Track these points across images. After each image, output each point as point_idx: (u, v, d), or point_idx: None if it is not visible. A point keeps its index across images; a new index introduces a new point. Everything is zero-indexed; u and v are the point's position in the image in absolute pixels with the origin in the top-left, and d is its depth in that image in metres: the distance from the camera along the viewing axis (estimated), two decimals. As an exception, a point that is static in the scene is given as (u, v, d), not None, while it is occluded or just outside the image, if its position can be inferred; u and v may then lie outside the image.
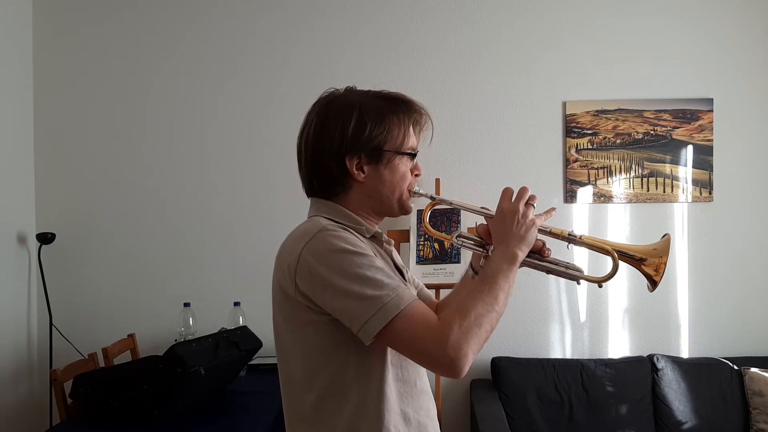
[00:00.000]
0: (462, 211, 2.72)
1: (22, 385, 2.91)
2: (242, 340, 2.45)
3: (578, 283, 1.24)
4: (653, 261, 1.18)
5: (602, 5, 3.00)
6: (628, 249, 1.20)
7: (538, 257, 1.19)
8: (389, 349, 1.10)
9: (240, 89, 3.04)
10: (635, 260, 1.19)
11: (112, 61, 3.07)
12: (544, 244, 1.19)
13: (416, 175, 1.22)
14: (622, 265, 1.19)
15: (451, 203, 1.26)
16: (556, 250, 1.24)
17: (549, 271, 1.21)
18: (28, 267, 2.98)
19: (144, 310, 3.01)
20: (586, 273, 1.22)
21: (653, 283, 1.19)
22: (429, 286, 2.55)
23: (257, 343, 2.51)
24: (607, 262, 1.18)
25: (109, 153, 3.07)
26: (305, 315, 1.09)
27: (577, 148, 2.99)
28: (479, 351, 1.02)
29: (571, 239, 1.19)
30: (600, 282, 1.21)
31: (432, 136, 1.26)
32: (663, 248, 1.19)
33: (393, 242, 1.26)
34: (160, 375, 2.06)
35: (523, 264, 1.16)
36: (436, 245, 2.77)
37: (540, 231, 1.16)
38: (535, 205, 1.15)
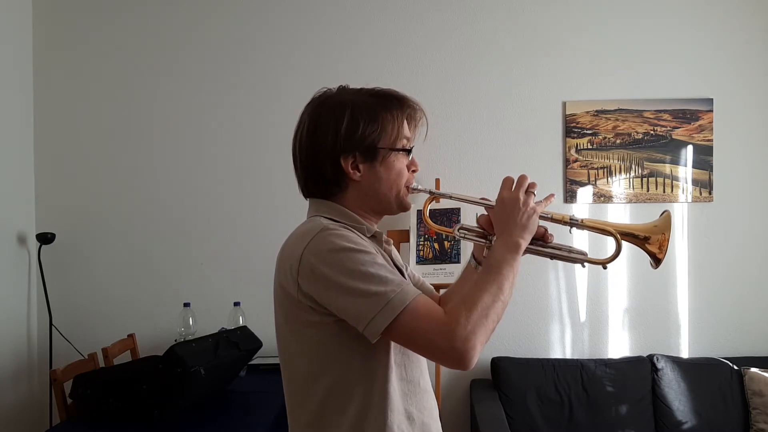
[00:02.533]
0: (462, 210, 2.73)
1: (22, 385, 2.91)
2: (242, 340, 2.45)
3: (583, 266, 1.24)
4: (656, 238, 1.18)
5: (602, 5, 3.00)
6: (630, 228, 1.20)
7: (541, 244, 1.20)
8: (393, 349, 1.10)
9: (240, 90, 3.04)
10: (639, 239, 1.19)
11: (113, 62, 3.07)
12: (546, 230, 1.19)
13: (413, 171, 1.21)
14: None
15: (450, 196, 1.25)
16: (558, 235, 1.24)
17: (552, 257, 1.21)
18: (28, 267, 2.98)
19: (144, 310, 3.01)
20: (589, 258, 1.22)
21: (657, 261, 1.19)
22: (429, 286, 2.56)
23: (257, 343, 2.51)
24: (611, 246, 1.18)
25: (109, 153, 3.07)
26: (308, 316, 1.08)
27: (577, 148, 2.99)
28: (487, 342, 1.02)
29: (573, 223, 1.19)
30: (604, 263, 1.21)
31: (427, 131, 1.24)
32: (664, 224, 1.20)
33: (392, 242, 1.26)
34: (160, 375, 2.05)
35: (527, 251, 1.16)
36: (435, 245, 2.77)
37: (541, 217, 1.16)
38: (535, 192, 1.15)
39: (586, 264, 1.22)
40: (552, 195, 1.20)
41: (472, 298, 1.03)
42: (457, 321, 0.99)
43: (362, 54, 3.03)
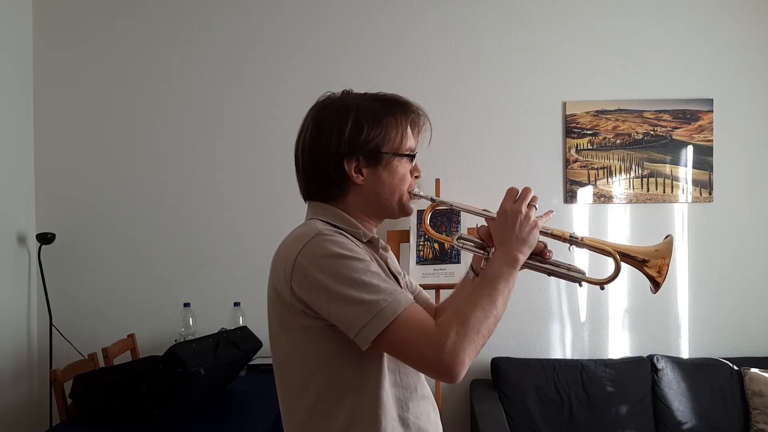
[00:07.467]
0: (462, 211, 2.73)
1: (22, 385, 2.91)
2: (242, 340, 2.45)
3: (580, 285, 1.22)
4: (656, 262, 1.17)
5: (602, 6, 3.00)
6: (630, 250, 1.18)
7: (539, 259, 1.18)
8: (386, 355, 1.09)
9: (242, 91, 3.04)
10: (637, 262, 1.18)
11: (113, 62, 3.07)
12: (545, 246, 1.18)
13: (416, 177, 1.20)
14: (624, 266, 1.18)
15: (452, 205, 1.24)
16: (558, 251, 1.23)
17: (550, 273, 1.19)
18: (28, 267, 2.98)
19: (144, 310, 3.01)
20: (587, 275, 1.20)
21: (656, 285, 1.17)
22: (429, 287, 2.56)
23: (257, 343, 2.51)
24: (609, 263, 1.18)
25: (109, 153, 3.07)
26: (301, 320, 1.08)
27: (577, 148, 2.99)
28: (476, 356, 1.01)
29: (572, 241, 1.17)
30: (602, 284, 1.19)
31: (431, 137, 1.24)
32: (665, 249, 1.18)
33: (390, 248, 1.24)
34: (160, 375, 2.05)
35: (525, 266, 1.14)
36: (436, 246, 2.77)
37: (541, 233, 1.14)
38: (536, 206, 1.14)
39: (583, 283, 1.20)
40: (551, 211, 1.18)
41: (464, 311, 1.02)
42: (447, 334, 0.99)
43: (363, 55, 3.03)
